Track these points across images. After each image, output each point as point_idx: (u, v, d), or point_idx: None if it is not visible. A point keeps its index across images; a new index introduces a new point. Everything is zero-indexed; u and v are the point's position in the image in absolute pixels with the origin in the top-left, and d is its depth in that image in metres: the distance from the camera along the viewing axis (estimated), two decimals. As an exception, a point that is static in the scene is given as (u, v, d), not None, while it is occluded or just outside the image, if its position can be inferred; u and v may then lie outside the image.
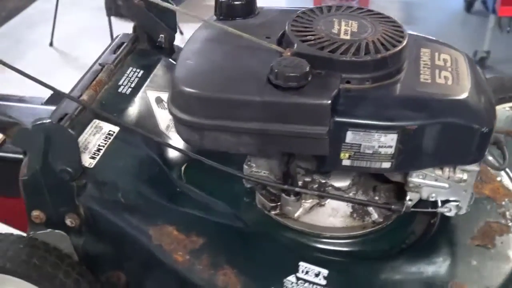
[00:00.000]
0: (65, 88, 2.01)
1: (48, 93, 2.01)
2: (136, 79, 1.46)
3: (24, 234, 1.28)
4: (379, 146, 1.10)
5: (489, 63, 3.60)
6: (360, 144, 1.10)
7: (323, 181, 1.28)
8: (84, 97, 1.32)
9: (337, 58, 1.11)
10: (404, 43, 1.15)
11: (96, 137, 1.29)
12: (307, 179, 1.28)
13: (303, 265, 1.19)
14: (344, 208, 1.30)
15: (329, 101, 1.06)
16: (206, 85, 1.13)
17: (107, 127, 1.32)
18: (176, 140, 1.41)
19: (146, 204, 1.25)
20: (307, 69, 1.07)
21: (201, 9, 3.64)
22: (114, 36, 3.57)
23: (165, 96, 1.48)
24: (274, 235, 1.27)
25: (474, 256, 1.25)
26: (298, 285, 1.16)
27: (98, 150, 1.27)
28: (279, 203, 1.30)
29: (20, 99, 1.90)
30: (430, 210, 1.28)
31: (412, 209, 1.24)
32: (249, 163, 1.32)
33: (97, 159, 1.25)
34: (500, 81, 1.73)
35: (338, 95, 1.08)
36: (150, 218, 1.23)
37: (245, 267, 1.18)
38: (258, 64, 1.15)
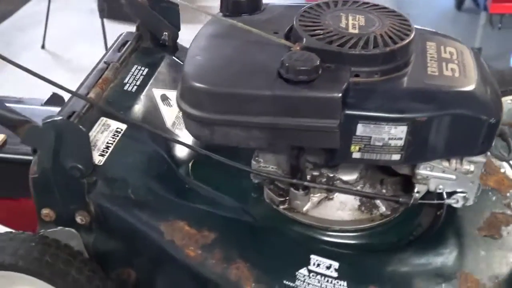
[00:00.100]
0: (59, 90, 2.01)
1: (46, 94, 2.02)
2: (141, 77, 1.47)
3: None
4: (389, 138, 1.10)
5: (480, 60, 3.62)
6: (371, 137, 1.11)
7: (331, 175, 1.29)
8: (91, 95, 1.32)
9: (346, 51, 1.12)
10: (412, 36, 1.16)
11: (104, 135, 1.29)
12: (315, 173, 1.29)
13: (314, 258, 1.20)
14: (352, 201, 1.31)
15: (340, 94, 1.07)
16: (216, 80, 1.14)
17: (115, 124, 1.32)
18: (182, 137, 1.42)
19: (156, 200, 1.25)
20: (318, 62, 1.08)
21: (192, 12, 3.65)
22: (107, 38, 3.59)
23: (170, 93, 1.49)
24: (284, 229, 1.28)
25: (481, 246, 1.27)
26: (310, 277, 1.17)
27: (107, 147, 1.27)
28: (287, 198, 1.31)
29: (19, 101, 1.90)
30: (437, 201, 1.29)
31: (420, 201, 1.25)
32: (257, 158, 1.33)
33: (106, 156, 1.26)
34: (500, 74, 1.75)
35: (348, 89, 1.09)
36: (161, 213, 1.23)
37: (258, 260, 1.19)
38: (268, 58, 1.16)
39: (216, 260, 1.17)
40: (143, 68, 1.49)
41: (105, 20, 3.72)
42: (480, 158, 1.19)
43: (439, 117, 1.09)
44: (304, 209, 1.30)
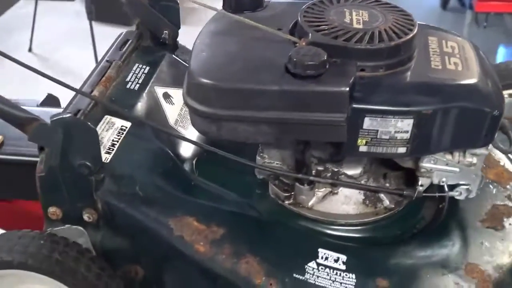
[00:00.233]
0: (54, 91, 2.01)
1: (41, 95, 2.02)
2: (143, 75, 1.47)
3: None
4: (396, 132, 1.12)
5: (467, 59, 3.66)
6: (377, 130, 1.12)
7: (336, 169, 1.30)
8: (95, 93, 1.32)
9: (352, 46, 1.13)
10: (415, 30, 1.18)
11: (109, 133, 1.30)
12: (320, 168, 1.30)
13: (322, 251, 1.21)
14: (356, 195, 1.32)
15: (347, 88, 1.08)
16: (223, 76, 1.14)
17: (119, 122, 1.32)
18: (185, 135, 1.43)
19: (164, 197, 1.25)
20: (325, 57, 1.09)
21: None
22: (96, 40, 3.57)
23: (172, 91, 1.50)
24: (290, 224, 1.29)
25: (485, 237, 1.28)
26: (319, 270, 1.18)
27: (113, 145, 1.28)
28: (292, 193, 1.32)
29: (15, 102, 1.89)
30: (441, 194, 1.31)
31: (424, 194, 1.27)
32: (261, 154, 1.34)
33: (112, 154, 1.26)
34: (497, 68, 1.77)
35: (354, 83, 1.11)
36: (169, 210, 1.23)
37: (267, 255, 1.19)
38: (274, 54, 1.17)
39: (226, 255, 1.18)
40: (144, 67, 1.49)
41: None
42: (483, 151, 1.21)
43: (444, 110, 1.11)
44: (309, 203, 1.31)
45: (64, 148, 1.16)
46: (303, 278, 1.17)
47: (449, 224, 1.32)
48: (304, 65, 1.08)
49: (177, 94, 1.50)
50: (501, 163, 1.47)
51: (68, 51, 3.96)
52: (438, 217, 1.34)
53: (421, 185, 1.26)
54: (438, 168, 1.23)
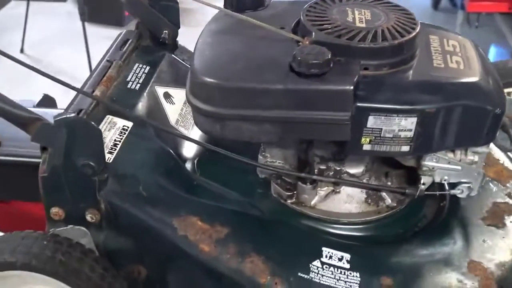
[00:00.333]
0: (40, 93, 2.01)
1: (31, 96, 2.01)
2: (144, 75, 1.47)
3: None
4: (399, 130, 1.12)
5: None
6: (381, 129, 1.12)
7: (338, 168, 1.30)
8: (97, 93, 1.32)
9: (356, 45, 1.14)
10: (418, 29, 1.19)
11: (111, 132, 1.29)
12: (322, 166, 1.30)
13: (326, 250, 1.21)
14: (358, 194, 1.33)
15: (352, 87, 1.08)
16: (227, 75, 1.14)
17: (121, 122, 1.32)
18: (187, 135, 1.43)
19: (167, 196, 1.25)
20: (329, 56, 1.09)
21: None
22: (88, 40, 3.56)
23: (172, 91, 1.50)
24: (293, 223, 1.29)
25: (486, 235, 1.29)
26: (323, 269, 1.18)
27: (115, 145, 1.27)
28: (295, 192, 1.32)
29: None
30: (443, 192, 1.32)
31: (426, 192, 1.28)
32: (263, 153, 1.34)
33: (114, 154, 1.26)
34: (496, 67, 1.77)
35: (358, 81, 1.11)
36: (173, 209, 1.23)
37: (271, 254, 1.19)
38: (277, 53, 1.17)
39: (231, 255, 1.18)
40: (144, 66, 1.49)
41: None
42: (484, 149, 1.22)
43: (447, 108, 1.11)
44: (312, 202, 1.31)
45: (68, 148, 1.15)
46: (308, 277, 1.17)
47: (450, 222, 1.32)
48: (309, 64, 1.08)
49: (177, 93, 1.50)
50: (501, 161, 1.48)
51: (60, 52, 3.94)
52: (440, 216, 1.35)
53: (423, 184, 1.26)
54: (440, 167, 1.23)
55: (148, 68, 1.49)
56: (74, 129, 1.13)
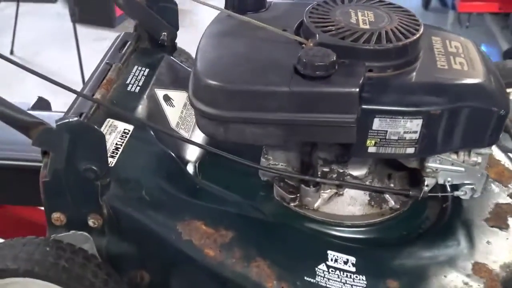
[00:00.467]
0: (30, 97, 1.99)
1: (26, 98, 1.99)
2: (143, 78, 1.45)
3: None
4: (405, 132, 1.12)
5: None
6: (386, 131, 1.12)
7: (341, 170, 1.29)
8: (97, 96, 1.30)
9: (360, 47, 1.13)
10: (422, 30, 1.18)
11: (113, 136, 1.28)
12: (325, 169, 1.30)
13: (331, 253, 1.20)
14: (362, 196, 1.32)
15: (357, 89, 1.08)
16: (231, 78, 1.13)
17: (122, 125, 1.30)
18: (188, 138, 1.41)
19: (170, 200, 1.24)
20: (334, 58, 1.09)
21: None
22: (79, 41, 3.54)
23: (172, 94, 1.48)
24: (297, 226, 1.28)
25: (490, 237, 1.29)
26: (329, 273, 1.17)
27: (116, 148, 1.26)
28: (298, 195, 1.31)
29: None
30: (446, 194, 1.31)
31: (430, 194, 1.27)
32: (266, 156, 1.33)
33: (116, 158, 1.24)
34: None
35: (363, 83, 1.10)
36: (177, 214, 1.21)
37: (277, 258, 1.18)
38: (281, 55, 1.16)
39: (236, 259, 1.16)
40: (143, 69, 1.48)
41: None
42: (488, 150, 1.21)
43: (452, 110, 1.11)
44: (315, 205, 1.30)
45: (70, 153, 1.13)
46: (314, 281, 1.16)
47: (454, 223, 1.32)
48: (314, 66, 1.08)
49: (177, 96, 1.49)
50: (502, 162, 1.48)
51: (50, 53, 3.92)
52: (443, 217, 1.34)
53: (427, 185, 1.26)
54: (443, 168, 1.23)
55: (147, 70, 1.48)
56: (77, 133, 1.12)
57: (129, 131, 1.30)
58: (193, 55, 1.77)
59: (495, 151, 1.48)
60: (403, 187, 1.33)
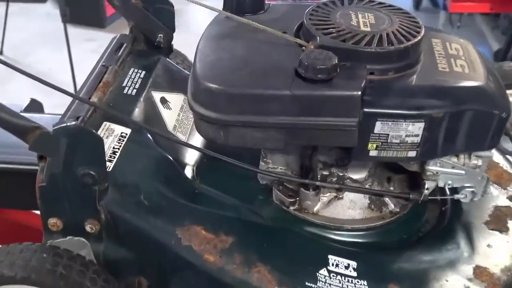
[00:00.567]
0: (20, 97, 1.96)
1: (22, 99, 1.97)
2: (139, 80, 1.43)
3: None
4: (406, 135, 1.11)
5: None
6: (388, 134, 1.11)
7: (341, 174, 1.28)
8: (94, 99, 1.28)
9: (362, 49, 1.12)
10: (423, 33, 1.17)
11: (110, 140, 1.26)
12: (325, 172, 1.28)
13: (332, 258, 1.19)
14: (361, 200, 1.31)
15: (360, 92, 1.07)
16: (231, 81, 1.12)
17: (119, 129, 1.28)
18: (185, 141, 1.40)
19: (169, 205, 1.22)
20: (336, 61, 1.07)
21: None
22: (70, 42, 3.51)
23: (169, 96, 1.47)
24: (297, 230, 1.27)
25: (491, 240, 1.28)
26: (330, 278, 1.16)
27: (114, 152, 1.24)
28: (297, 198, 1.29)
29: None
30: (447, 197, 1.30)
31: (430, 197, 1.27)
32: (265, 159, 1.31)
33: (114, 162, 1.22)
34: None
35: (365, 86, 1.09)
36: (176, 219, 1.20)
37: (277, 263, 1.16)
38: (281, 58, 1.15)
39: (237, 265, 1.15)
40: (140, 71, 1.46)
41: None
42: (488, 153, 1.21)
43: (454, 113, 1.10)
44: (315, 209, 1.29)
45: (67, 157, 1.11)
46: (316, 286, 1.14)
47: (453, 227, 1.31)
48: (316, 69, 1.07)
49: (173, 98, 1.47)
50: (500, 164, 1.48)
51: (40, 54, 3.89)
52: (442, 220, 1.33)
53: (427, 189, 1.25)
54: (444, 171, 1.22)
55: (143, 72, 1.46)
56: (75, 137, 1.10)
57: (126, 134, 1.28)
58: (187, 56, 1.75)
59: (494, 153, 1.47)
60: (403, 190, 1.32)
